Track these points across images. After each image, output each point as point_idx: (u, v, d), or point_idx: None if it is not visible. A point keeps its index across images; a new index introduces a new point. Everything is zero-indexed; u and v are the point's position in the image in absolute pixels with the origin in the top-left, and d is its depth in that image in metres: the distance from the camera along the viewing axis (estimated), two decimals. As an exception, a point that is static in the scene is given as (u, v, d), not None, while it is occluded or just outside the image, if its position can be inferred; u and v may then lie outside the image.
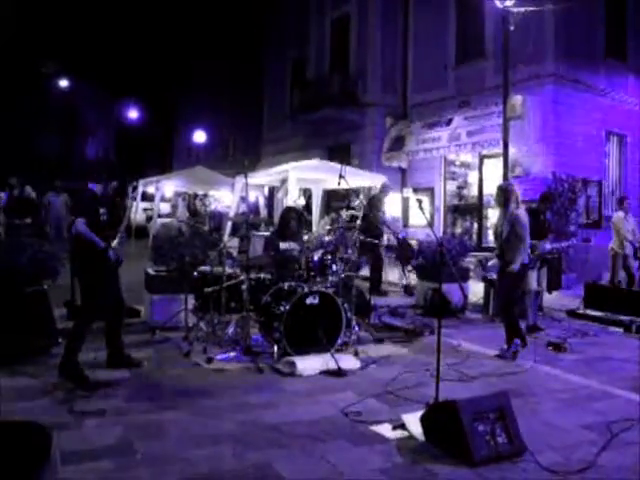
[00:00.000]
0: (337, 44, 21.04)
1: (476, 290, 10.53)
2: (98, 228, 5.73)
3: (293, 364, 6.05)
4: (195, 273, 7.86)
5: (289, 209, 8.19)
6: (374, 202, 11.81)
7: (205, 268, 8.01)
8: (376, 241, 10.31)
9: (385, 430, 4.52)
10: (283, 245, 7.35)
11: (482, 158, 16.20)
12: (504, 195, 7.01)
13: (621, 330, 8.76)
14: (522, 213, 7.00)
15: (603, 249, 13.66)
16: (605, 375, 6.33)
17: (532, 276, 8.46)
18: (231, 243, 9.41)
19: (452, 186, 17.78)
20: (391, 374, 6.03)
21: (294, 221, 7.64)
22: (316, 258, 7.24)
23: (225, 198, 20.61)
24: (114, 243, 5.94)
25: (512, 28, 11.64)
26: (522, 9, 11.86)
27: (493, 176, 15.31)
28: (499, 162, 12.49)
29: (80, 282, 5.94)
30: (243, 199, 15.28)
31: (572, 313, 9.79)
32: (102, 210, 5.86)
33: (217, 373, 6.01)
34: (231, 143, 33.08)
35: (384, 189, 12.31)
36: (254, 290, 7.03)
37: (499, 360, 6.87)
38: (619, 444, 4.37)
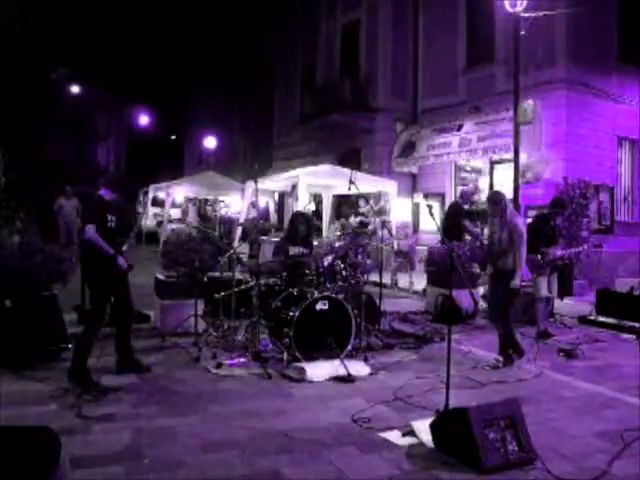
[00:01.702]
0: (347, 49, 21.04)
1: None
2: (106, 234, 5.75)
3: (302, 370, 6.04)
4: (205, 278, 7.87)
5: (298, 214, 8.19)
6: (457, 211, 11.56)
7: (215, 273, 8.02)
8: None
9: (394, 437, 4.50)
10: (292, 250, 7.34)
11: (493, 164, 16.14)
12: (499, 205, 6.90)
13: (633, 337, 8.67)
14: (520, 221, 6.96)
15: (615, 255, 13.61)
16: (617, 382, 6.27)
17: (543, 282, 8.42)
18: (241, 248, 9.42)
19: (463, 191, 17.70)
20: (401, 380, 6.01)
21: (303, 226, 7.63)
22: (326, 263, 7.23)
23: (235, 203, 20.67)
24: (124, 248, 5.96)
25: (523, 33, 11.59)
26: (533, 14, 11.82)
27: (504, 182, 15.24)
28: (510, 167, 12.44)
29: (89, 287, 5.96)
30: (253, 204, 15.31)
31: (583, 319, 9.71)
32: (110, 216, 5.88)
33: (226, 379, 6.01)
34: (241, 149, 33.16)
35: (466, 195, 12.11)
36: (264, 295, 7.03)
37: (509, 366, 6.81)
38: (632, 453, 4.32)
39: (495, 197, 7.11)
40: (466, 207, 17.02)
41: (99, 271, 5.76)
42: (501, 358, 6.82)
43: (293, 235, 7.59)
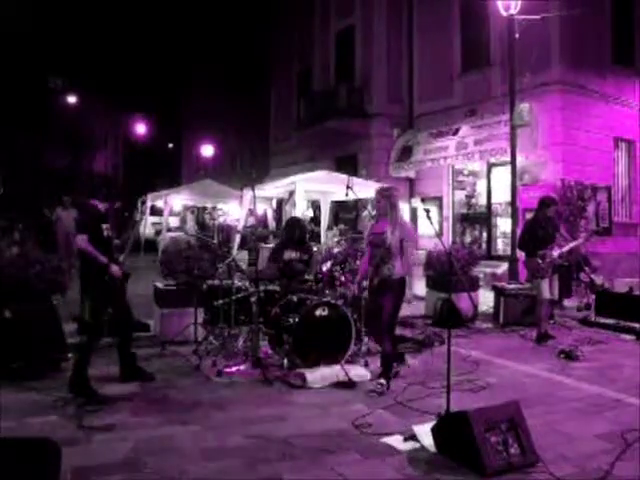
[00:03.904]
0: (342, 55, 21.10)
1: (486, 299, 10.47)
2: (103, 243, 5.75)
3: (303, 376, 6.03)
4: (204, 286, 7.86)
5: (293, 220, 8.19)
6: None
7: (214, 281, 8.01)
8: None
9: (396, 442, 4.48)
10: (288, 255, 7.33)
11: (490, 167, 16.16)
12: (389, 201, 6.12)
13: (633, 337, 8.67)
14: (408, 223, 6.39)
15: (613, 256, 13.61)
16: (618, 383, 6.26)
17: (545, 285, 8.40)
18: (240, 256, 9.41)
19: (460, 195, 17.73)
20: (401, 385, 6.00)
21: (298, 230, 7.62)
22: (325, 269, 7.22)
23: (233, 211, 20.67)
24: (121, 258, 5.95)
25: (517, 36, 11.62)
26: (527, 16, 11.86)
27: (501, 184, 15.28)
28: (507, 170, 12.46)
29: (87, 298, 5.94)
30: (251, 212, 15.31)
31: (583, 321, 9.72)
32: (105, 225, 5.88)
33: (227, 386, 6.00)
34: (238, 156, 33.19)
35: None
36: (263, 302, 7.01)
37: (510, 369, 6.82)
38: (634, 454, 4.31)
39: (385, 192, 6.30)
40: (464, 211, 17.10)
41: (95, 281, 5.75)
42: (383, 381, 5.93)
43: (289, 240, 7.59)
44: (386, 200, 6.14)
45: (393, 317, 6.15)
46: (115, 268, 5.75)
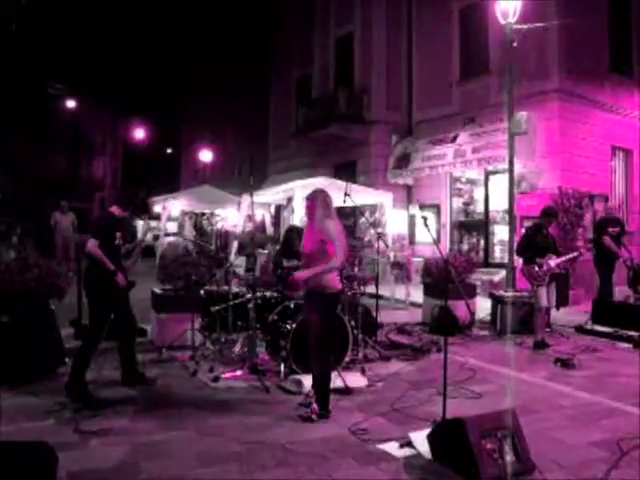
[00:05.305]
0: (341, 62, 21.13)
1: (483, 307, 10.49)
2: (113, 251, 5.78)
3: (300, 382, 6.03)
4: (201, 292, 7.87)
5: (291, 228, 8.22)
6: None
7: (211, 287, 8.02)
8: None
9: (392, 448, 4.49)
10: (287, 264, 7.35)
11: (488, 174, 16.19)
12: (315, 204, 5.47)
13: (630, 346, 8.69)
14: (332, 225, 5.38)
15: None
16: (614, 391, 6.26)
17: (542, 293, 8.43)
18: (237, 262, 9.42)
19: (458, 202, 17.75)
20: (398, 392, 6.01)
21: (297, 240, 7.64)
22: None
23: (231, 217, 20.67)
24: (127, 263, 5.97)
25: (515, 44, 11.66)
26: (526, 25, 11.90)
27: (499, 192, 15.30)
28: (505, 178, 12.47)
29: (90, 302, 5.95)
30: (249, 218, 15.33)
31: (580, 329, 9.72)
32: (118, 234, 5.91)
33: (224, 392, 6.00)
34: (237, 162, 33.21)
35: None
36: (260, 309, 7.03)
37: (506, 376, 6.82)
38: (630, 462, 4.32)
39: (311, 196, 5.62)
40: (462, 219, 17.11)
41: (100, 286, 5.76)
42: (315, 406, 5.20)
43: (287, 249, 7.61)
44: (312, 204, 5.51)
45: (322, 335, 5.28)
46: (121, 277, 5.78)
